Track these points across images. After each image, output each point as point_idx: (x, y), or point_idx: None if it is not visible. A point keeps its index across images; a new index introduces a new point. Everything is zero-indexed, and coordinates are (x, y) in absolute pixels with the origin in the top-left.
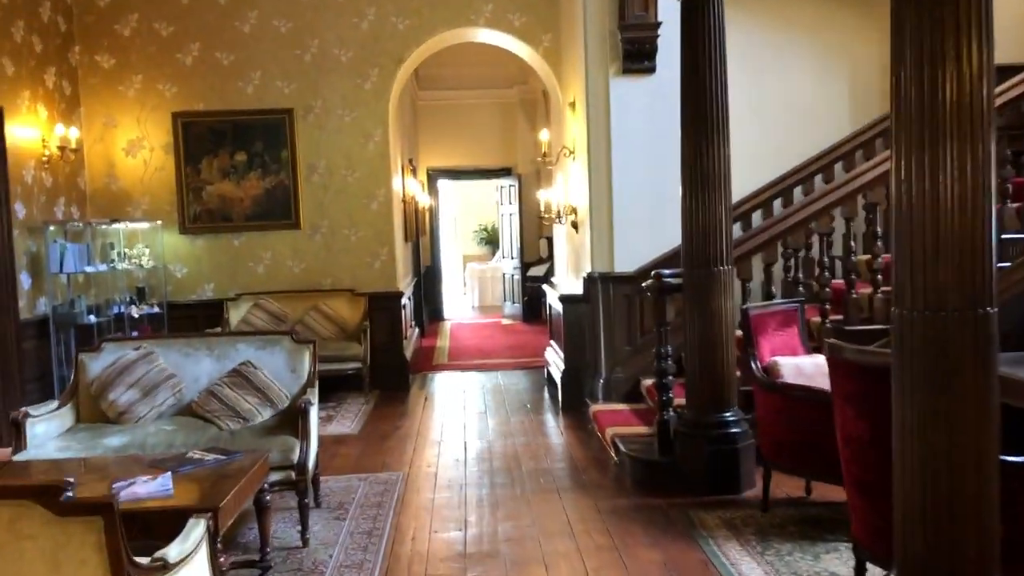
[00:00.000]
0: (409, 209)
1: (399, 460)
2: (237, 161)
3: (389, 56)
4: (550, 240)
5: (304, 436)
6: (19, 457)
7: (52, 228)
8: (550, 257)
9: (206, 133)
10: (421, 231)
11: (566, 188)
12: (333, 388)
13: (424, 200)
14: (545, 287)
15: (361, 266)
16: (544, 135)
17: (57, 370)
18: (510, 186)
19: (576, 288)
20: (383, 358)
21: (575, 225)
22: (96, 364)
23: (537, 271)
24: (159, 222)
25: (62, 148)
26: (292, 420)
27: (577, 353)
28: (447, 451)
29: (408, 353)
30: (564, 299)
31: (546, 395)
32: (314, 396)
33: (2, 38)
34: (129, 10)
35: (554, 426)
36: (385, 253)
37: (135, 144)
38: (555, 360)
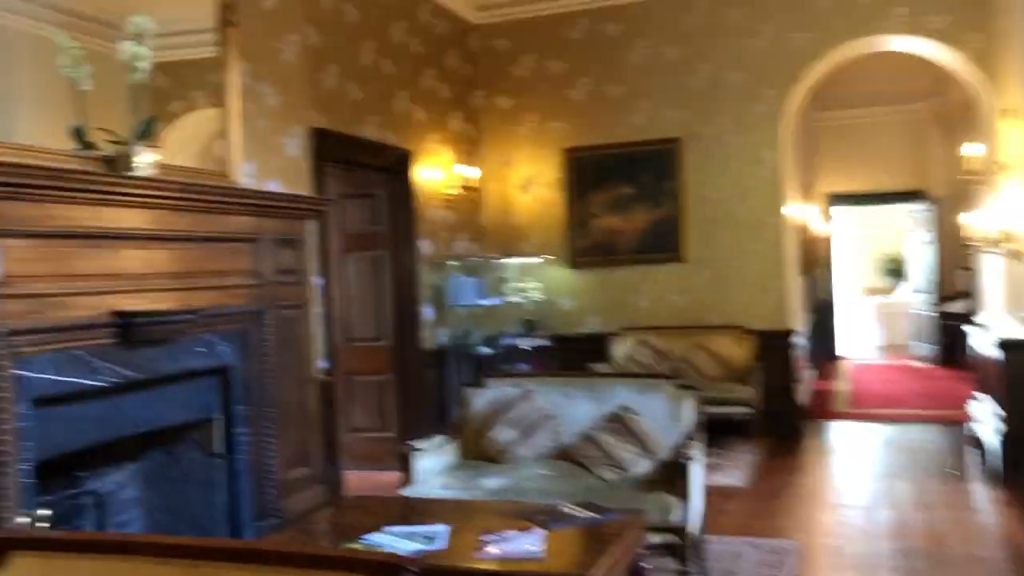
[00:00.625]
0: (805, 239)
1: (793, 524)
2: (623, 194)
3: (785, 74)
4: (972, 272)
5: (685, 495)
6: (407, 492)
7: (452, 262)
8: (972, 292)
9: (593, 167)
10: (818, 262)
11: (1000, 211)
12: (718, 433)
13: (821, 228)
14: (969, 327)
15: (750, 301)
16: (971, 149)
17: (453, 399)
18: (922, 211)
19: (1017, 331)
20: (774, 402)
21: (1016, 255)
22: (480, 400)
23: (956, 307)
24: (549, 256)
25: (464, 187)
26: (672, 475)
27: (1021, 412)
28: (849, 518)
29: (802, 398)
30: (1003, 344)
31: (973, 459)
32: (697, 450)
33: (413, 87)
34: (525, 51)
35: (987, 501)
36: (777, 287)
37: (528, 181)
38: (985, 417)
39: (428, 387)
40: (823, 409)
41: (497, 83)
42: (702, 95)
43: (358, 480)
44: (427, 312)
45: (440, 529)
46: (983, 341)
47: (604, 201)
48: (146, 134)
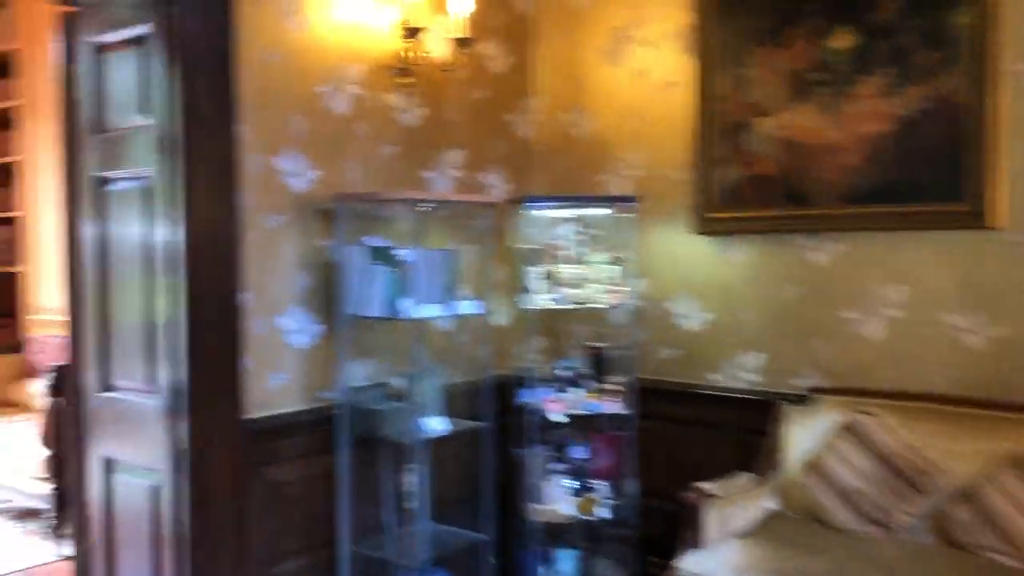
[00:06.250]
0: None
1: None
2: (833, 53)
3: None
4: None
5: None
6: None
7: (413, 214)
8: None
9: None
10: None
11: None
12: None
13: None
14: None
15: None
16: None
17: (353, 542)
18: None
19: None
20: None
21: None
22: None
23: None
24: (652, 207)
25: (456, 46)
26: None
27: None
28: None
29: None
30: None
31: None
32: None
33: None
34: None
35: None
36: None
37: (623, 37)
38: None
39: (277, 509)
40: None
41: None
42: None
43: None
44: (295, 325)
45: None
46: None
47: (787, 74)
48: None
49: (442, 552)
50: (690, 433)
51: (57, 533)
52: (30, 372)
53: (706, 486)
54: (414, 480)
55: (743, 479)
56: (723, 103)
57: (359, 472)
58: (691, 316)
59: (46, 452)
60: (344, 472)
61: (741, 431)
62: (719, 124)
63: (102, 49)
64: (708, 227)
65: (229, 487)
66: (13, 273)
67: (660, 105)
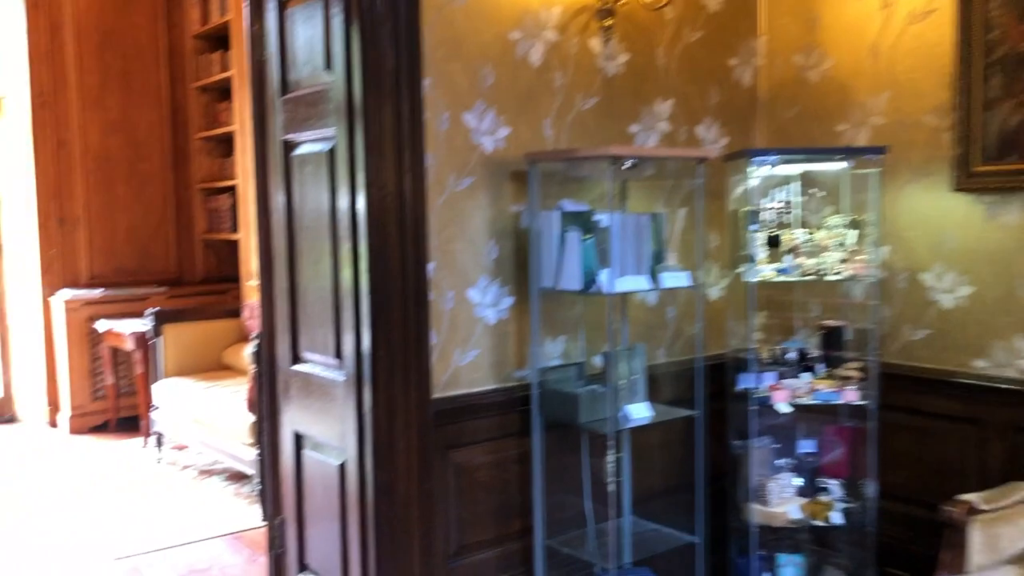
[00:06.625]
0: None
1: None
2: None
3: None
4: None
5: None
6: None
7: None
8: None
9: None
10: None
11: None
12: None
13: None
14: None
15: None
16: None
17: (547, 535)
18: None
19: None
20: None
21: None
22: None
23: None
24: (881, 159)
25: None
26: None
27: None
28: None
29: None
30: None
31: None
32: None
33: None
34: None
35: None
36: None
37: None
38: None
39: (476, 497)
40: None
41: None
42: None
43: None
44: (485, 298)
45: None
46: None
47: None
48: None
49: (646, 552)
50: (945, 429)
51: (263, 498)
52: (245, 336)
53: (971, 498)
54: (614, 471)
55: (1017, 490)
56: (996, 32)
57: (553, 459)
58: (948, 290)
59: (252, 418)
60: (538, 459)
61: (1013, 430)
62: (990, 57)
63: (286, 4)
64: (973, 183)
65: (416, 469)
66: (235, 240)
67: (912, 38)
